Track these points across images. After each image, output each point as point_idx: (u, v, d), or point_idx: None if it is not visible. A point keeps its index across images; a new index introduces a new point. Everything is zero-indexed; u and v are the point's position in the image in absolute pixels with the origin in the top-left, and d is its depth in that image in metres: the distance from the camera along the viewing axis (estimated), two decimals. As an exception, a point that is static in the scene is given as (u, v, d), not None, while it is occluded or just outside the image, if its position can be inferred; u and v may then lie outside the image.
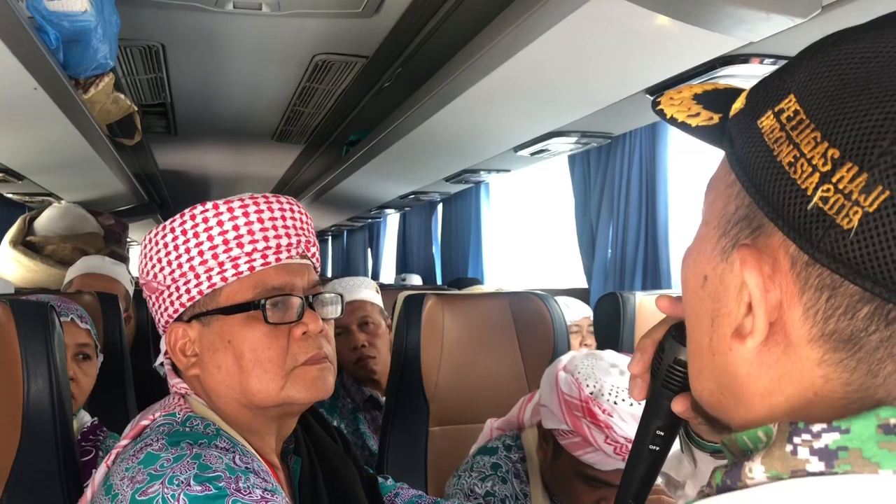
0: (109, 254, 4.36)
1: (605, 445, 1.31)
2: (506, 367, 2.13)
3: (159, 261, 1.07)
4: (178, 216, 1.07)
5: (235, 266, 1.04)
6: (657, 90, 1.96)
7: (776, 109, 0.49)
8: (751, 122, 0.51)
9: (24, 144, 2.89)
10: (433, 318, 2.07)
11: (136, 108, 3.17)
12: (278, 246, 1.06)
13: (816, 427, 0.46)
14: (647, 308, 2.25)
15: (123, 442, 1.03)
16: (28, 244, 4.07)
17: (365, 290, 2.37)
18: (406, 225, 6.05)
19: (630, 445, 1.26)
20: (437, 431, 2.05)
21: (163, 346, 1.14)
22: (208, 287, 1.04)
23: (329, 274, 9.70)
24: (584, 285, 3.38)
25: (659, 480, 0.76)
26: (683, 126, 0.57)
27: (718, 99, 0.57)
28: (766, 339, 0.50)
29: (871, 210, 0.43)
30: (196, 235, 1.04)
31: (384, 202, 5.40)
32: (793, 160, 0.47)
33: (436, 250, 5.45)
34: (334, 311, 1.13)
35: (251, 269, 1.04)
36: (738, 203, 0.52)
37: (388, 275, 6.90)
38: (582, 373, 1.38)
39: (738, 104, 0.54)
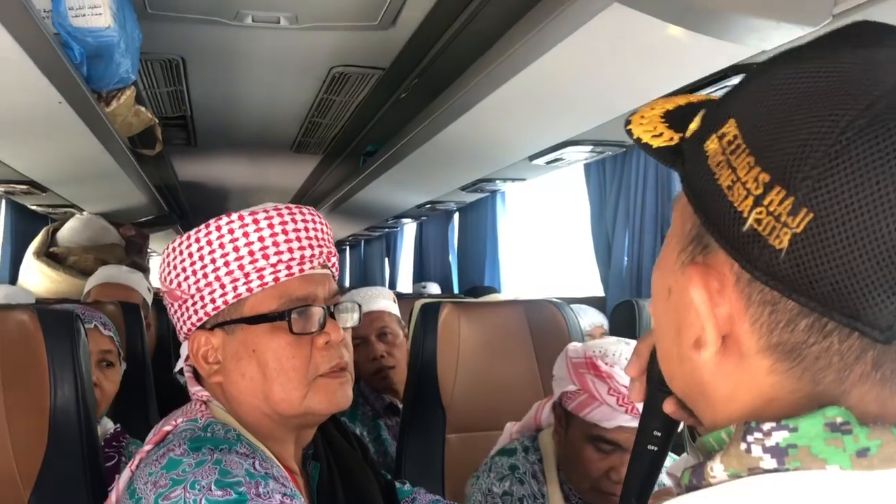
0: (130, 264, 4.43)
1: (608, 397, 1.37)
2: (521, 375, 2.14)
3: (184, 270, 1.09)
4: (202, 226, 1.09)
5: (261, 277, 1.06)
6: (671, 99, 1.97)
7: (719, 133, 0.52)
8: (699, 145, 0.53)
9: (48, 157, 2.94)
10: (449, 327, 2.09)
11: (156, 121, 3.22)
12: (301, 257, 1.09)
13: (767, 426, 0.49)
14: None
15: (147, 447, 1.06)
16: (51, 255, 4.13)
17: (383, 301, 2.39)
18: (423, 234, 6.08)
19: None
20: (453, 439, 2.07)
21: (183, 353, 1.17)
22: (234, 297, 1.07)
23: (347, 283, 9.72)
24: (601, 293, 3.39)
25: (668, 482, 0.78)
26: (645, 147, 0.59)
27: (685, 116, 0.59)
28: (722, 350, 0.53)
29: (798, 231, 0.46)
30: (222, 246, 1.07)
31: (401, 212, 5.43)
32: (731, 183, 0.49)
33: (452, 259, 5.47)
34: (352, 319, 1.15)
35: (276, 279, 1.07)
36: (693, 221, 0.55)
37: (405, 284, 6.93)
38: (589, 343, 1.48)
39: (694, 125, 0.56)
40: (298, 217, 1.11)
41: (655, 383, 0.69)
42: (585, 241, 3.50)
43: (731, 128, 0.51)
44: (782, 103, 0.48)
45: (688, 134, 0.56)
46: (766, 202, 0.47)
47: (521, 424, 1.71)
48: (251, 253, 1.07)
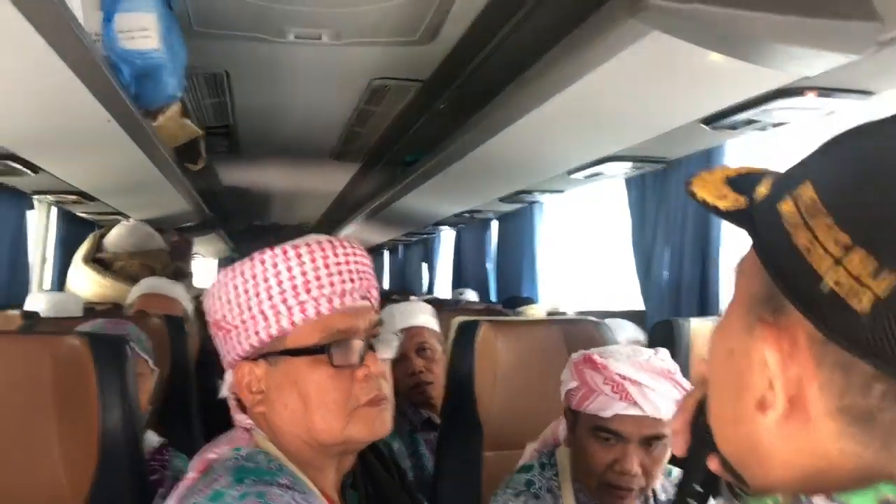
0: (174, 270, 4.53)
1: (603, 386, 1.40)
2: (558, 393, 2.13)
3: (228, 302, 1.11)
4: (247, 259, 1.12)
5: (303, 311, 1.08)
6: (712, 120, 1.96)
7: (794, 195, 0.52)
8: (772, 207, 0.53)
9: (96, 170, 3.02)
10: (487, 345, 2.09)
11: (201, 133, 3.29)
12: (343, 291, 1.10)
13: (817, 500, 0.48)
14: (703, 335, 2.24)
15: (192, 474, 1.08)
16: (98, 260, 4.22)
17: (422, 316, 2.40)
18: (461, 241, 6.09)
19: (626, 383, 1.38)
20: (490, 457, 2.07)
21: (227, 379, 1.19)
22: (277, 331, 1.09)
23: (386, 286, 9.77)
24: (640, 307, 3.37)
25: None
26: (714, 209, 0.59)
27: (746, 181, 0.59)
28: (787, 413, 0.52)
29: (881, 295, 0.45)
30: (265, 280, 1.09)
31: (439, 220, 5.45)
32: (808, 244, 0.49)
33: (490, 267, 5.48)
34: (391, 351, 1.16)
35: (317, 313, 1.08)
36: (762, 283, 0.54)
37: (443, 289, 6.95)
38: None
39: (763, 189, 0.56)
40: (340, 251, 1.13)
41: (700, 439, 0.69)
42: (625, 253, 3.48)
43: (807, 190, 0.51)
44: (865, 168, 0.49)
45: (757, 197, 0.57)
46: (846, 263, 0.47)
47: (539, 442, 1.73)
48: (294, 287, 1.09)
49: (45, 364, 1.28)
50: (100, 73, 1.87)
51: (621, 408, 1.38)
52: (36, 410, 1.26)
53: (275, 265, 1.10)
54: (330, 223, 9.41)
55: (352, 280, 1.13)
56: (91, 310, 3.57)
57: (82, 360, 1.27)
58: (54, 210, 4.32)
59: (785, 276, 0.51)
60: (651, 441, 1.40)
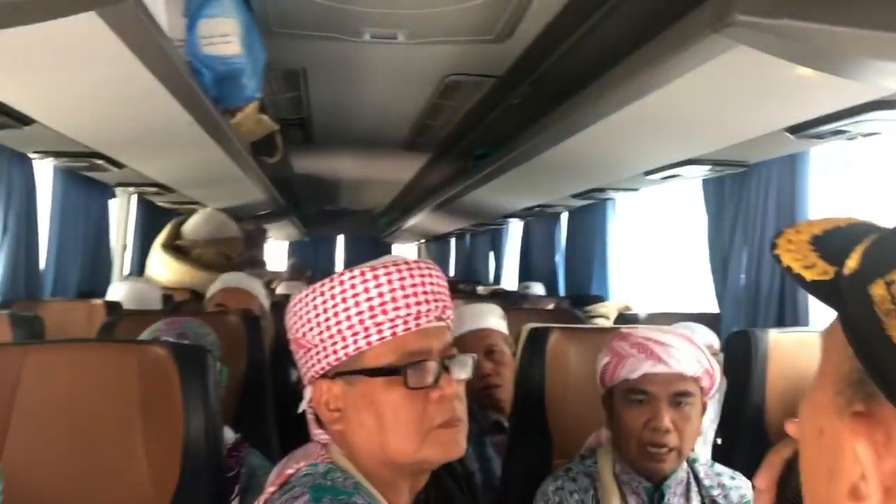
0: (249, 258, 4.64)
1: (630, 350, 1.52)
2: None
3: (308, 321, 1.14)
4: (327, 280, 1.14)
5: (379, 331, 1.10)
6: (797, 129, 1.89)
7: (887, 280, 0.49)
8: (863, 287, 0.50)
9: (176, 165, 3.12)
10: (558, 352, 2.07)
11: (277, 128, 3.34)
12: (418, 312, 1.11)
13: None
14: (782, 348, 2.17)
15: (270, 489, 1.11)
16: (176, 248, 4.35)
17: (491, 318, 2.39)
18: (529, 233, 6.03)
19: (650, 343, 1.48)
20: (561, 464, 2.06)
21: (306, 395, 1.22)
22: (354, 350, 1.11)
23: (451, 274, 9.81)
24: (715, 309, 3.29)
25: None
26: (798, 278, 0.56)
27: (835, 242, 0.56)
28: (882, 503, 0.50)
29: None
30: (344, 300, 1.11)
31: (508, 213, 5.43)
32: None
33: (559, 260, 5.42)
34: (466, 372, 1.17)
35: (393, 334, 1.10)
36: (852, 365, 0.52)
37: (509, 281, 6.93)
38: None
39: (853, 263, 0.53)
40: (416, 272, 1.14)
41: (786, 501, 0.67)
42: (700, 253, 3.40)
43: None
44: None
45: (846, 272, 0.53)
46: None
47: (584, 448, 1.79)
48: (371, 308, 1.10)
49: (132, 373, 1.33)
50: (183, 79, 1.92)
51: (649, 366, 1.49)
52: (123, 418, 1.32)
53: (353, 286, 1.12)
54: (398, 210, 9.49)
55: (427, 301, 1.14)
56: (169, 298, 3.68)
57: (167, 369, 1.32)
58: (134, 198, 4.47)
59: (876, 365, 0.48)
60: (679, 399, 1.49)
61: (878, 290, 0.49)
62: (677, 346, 1.50)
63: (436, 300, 1.15)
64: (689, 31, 1.52)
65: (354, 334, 1.11)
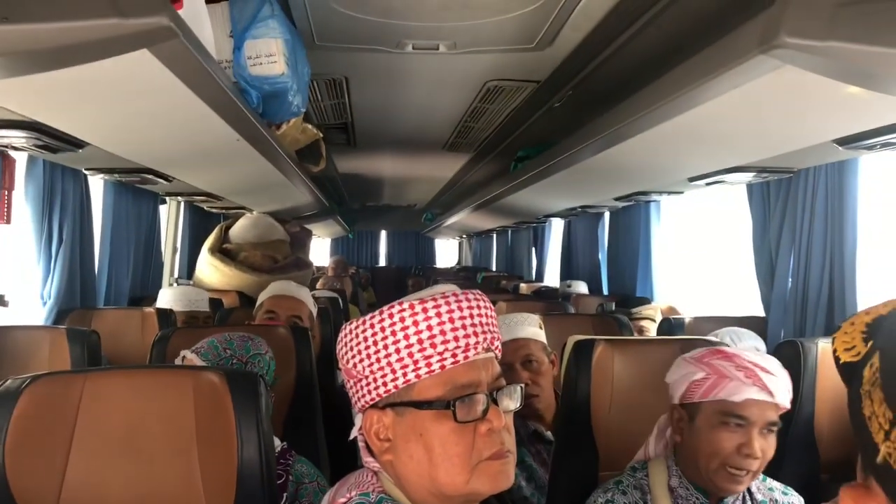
0: (295, 261, 4.70)
1: (736, 372, 1.49)
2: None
3: (359, 352, 1.16)
4: (377, 312, 1.16)
5: (428, 364, 1.11)
6: (846, 141, 1.86)
7: (871, 362, 0.52)
8: (862, 368, 0.54)
9: (225, 177, 3.17)
10: (603, 364, 2.08)
11: (321, 136, 3.39)
12: (467, 345, 1.13)
13: None
14: (831, 358, 2.14)
15: (321, 516, 1.14)
16: (224, 251, 4.43)
17: (529, 328, 2.40)
18: (571, 231, 5.99)
19: (758, 370, 1.46)
20: (606, 477, 2.07)
21: (356, 423, 1.24)
22: (403, 382, 1.12)
23: (493, 268, 9.81)
24: (761, 313, 3.24)
25: None
26: (836, 359, 0.59)
27: (875, 328, 0.57)
28: None
29: None
30: (393, 333, 1.13)
31: (550, 213, 5.41)
32: (870, 414, 0.50)
33: (602, 258, 5.38)
34: (514, 403, 1.18)
35: (442, 367, 1.12)
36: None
37: (551, 278, 6.91)
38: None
39: (863, 347, 0.56)
40: (465, 304, 1.15)
41: None
42: (746, 256, 3.35)
43: (876, 360, 0.52)
44: None
45: (856, 356, 0.56)
46: (892, 437, 0.48)
47: (634, 460, 1.79)
48: (420, 341, 1.12)
49: (187, 399, 1.37)
50: (230, 101, 1.96)
51: (753, 392, 1.47)
52: (179, 443, 1.36)
53: (402, 319, 1.13)
54: (439, 206, 9.52)
55: (475, 334, 1.15)
56: (219, 303, 3.75)
57: (221, 395, 1.36)
58: (183, 204, 4.56)
59: (860, 440, 0.52)
60: (771, 427, 1.49)
61: (867, 371, 0.53)
62: (779, 376, 1.50)
63: (484, 332, 1.16)
64: (735, 51, 1.51)
65: (404, 367, 1.13)
